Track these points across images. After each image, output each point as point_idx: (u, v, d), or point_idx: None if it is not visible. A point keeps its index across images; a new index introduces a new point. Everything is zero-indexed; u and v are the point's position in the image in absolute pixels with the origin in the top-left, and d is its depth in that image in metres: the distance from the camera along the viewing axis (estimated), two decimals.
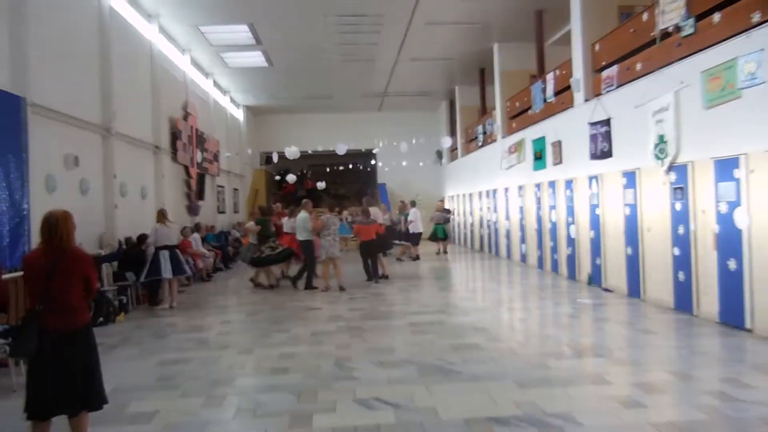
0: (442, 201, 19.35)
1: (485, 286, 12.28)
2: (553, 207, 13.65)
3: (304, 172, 29.88)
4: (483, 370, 6.26)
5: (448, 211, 18.64)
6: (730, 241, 7.85)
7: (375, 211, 13.81)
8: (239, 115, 25.80)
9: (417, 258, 17.29)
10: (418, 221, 17.32)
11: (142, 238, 11.45)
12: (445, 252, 18.74)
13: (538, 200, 14.55)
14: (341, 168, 27.99)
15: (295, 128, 28.12)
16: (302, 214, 12.24)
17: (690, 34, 8.76)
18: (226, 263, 17.35)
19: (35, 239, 8.00)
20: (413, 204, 19.04)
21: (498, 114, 18.10)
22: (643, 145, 9.77)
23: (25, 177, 8.61)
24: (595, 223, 11.48)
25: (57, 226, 4.27)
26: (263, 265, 12.65)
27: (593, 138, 11.39)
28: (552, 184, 13.70)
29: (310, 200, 13.07)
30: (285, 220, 14.00)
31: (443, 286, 12.24)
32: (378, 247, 12.92)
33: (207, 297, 11.92)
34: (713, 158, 8.20)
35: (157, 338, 8.34)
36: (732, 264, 7.80)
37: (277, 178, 27.73)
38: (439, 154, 27.87)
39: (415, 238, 17.38)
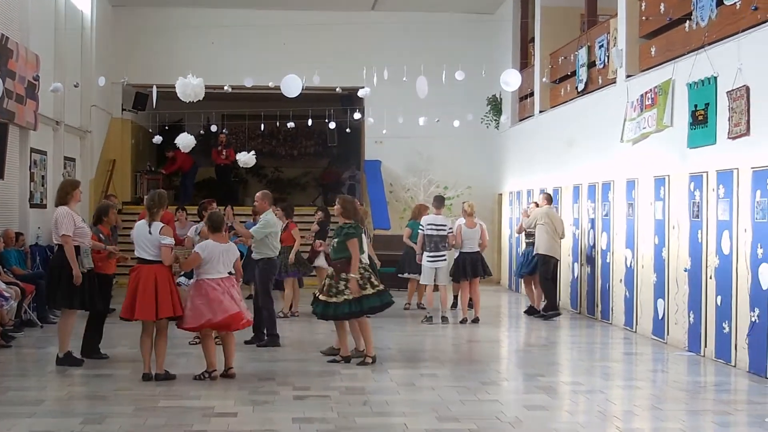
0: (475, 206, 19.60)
1: (575, 382, 13.02)
2: (726, 224, 13.90)
3: (215, 129, 29.63)
4: None
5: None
6: None
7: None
8: (84, 4, 25.81)
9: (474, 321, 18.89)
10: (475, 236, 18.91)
11: None
12: (469, 316, 18.96)
13: (696, 209, 14.91)
14: (291, 125, 27.85)
15: (199, 39, 28.10)
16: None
17: None
18: (43, 311, 17.50)
19: None
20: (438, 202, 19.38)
21: (622, 26, 18.36)
22: None
23: None
24: None
25: None
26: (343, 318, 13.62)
27: None
28: (725, 177, 13.97)
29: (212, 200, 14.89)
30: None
31: (485, 378, 12.99)
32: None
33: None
34: None
35: None
36: None
37: (157, 139, 27.52)
38: (496, 106, 27.92)
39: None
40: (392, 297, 13.77)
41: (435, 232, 18.05)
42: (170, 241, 12.33)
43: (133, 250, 12.49)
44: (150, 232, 12.16)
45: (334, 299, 13.15)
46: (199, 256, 12.22)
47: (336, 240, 13.33)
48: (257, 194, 15.70)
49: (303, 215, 25.39)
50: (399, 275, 20.20)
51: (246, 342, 14.80)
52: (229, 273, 12.40)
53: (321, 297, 13.26)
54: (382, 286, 13.51)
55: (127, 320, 12.34)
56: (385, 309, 13.78)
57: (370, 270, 13.67)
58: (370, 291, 13.31)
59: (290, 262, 18.01)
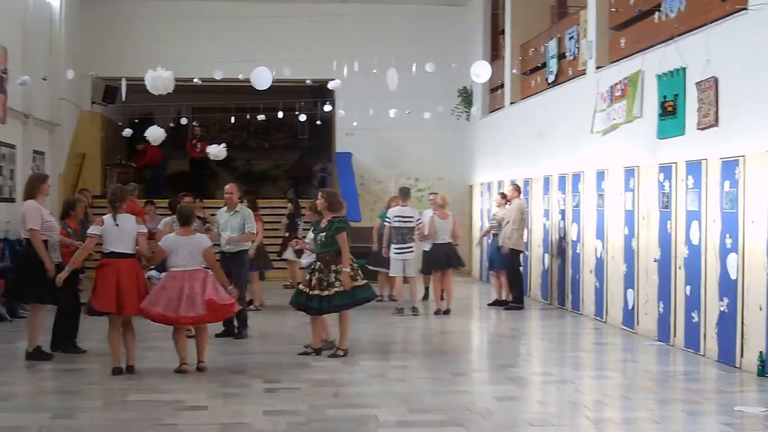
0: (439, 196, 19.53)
1: (546, 372, 13.15)
2: (695, 214, 13.92)
3: (185, 121, 29.47)
4: None
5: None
6: None
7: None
8: None
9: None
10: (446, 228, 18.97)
11: None
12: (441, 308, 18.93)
13: (665, 199, 14.97)
14: (261, 118, 27.79)
15: (168, 31, 27.98)
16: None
17: None
18: (12, 305, 17.41)
19: None
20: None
21: (592, 18, 18.39)
22: None
23: None
24: None
25: None
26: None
27: None
28: (694, 168, 14.03)
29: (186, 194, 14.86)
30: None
31: (456, 370, 13.04)
32: None
33: None
34: None
35: None
36: None
37: (127, 132, 27.41)
38: (467, 98, 27.92)
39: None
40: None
41: (402, 224, 18.07)
42: (146, 229, 12.53)
43: (101, 245, 12.46)
44: (116, 224, 12.14)
45: (326, 292, 13.12)
46: (161, 249, 12.39)
47: (324, 234, 13.28)
48: (229, 187, 15.55)
49: (275, 207, 25.36)
50: (368, 267, 20.16)
51: (217, 335, 14.76)
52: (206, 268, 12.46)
53: (313, 292, 13.18)
54: (366, 280, 13.61)
55: (99, 313, 12.27)
56: (371, 300, 13.89)
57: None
58: (361, 282, 13.38)
59: (250, 257, 17.68)
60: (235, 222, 15.12)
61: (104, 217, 12.36)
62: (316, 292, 13.06)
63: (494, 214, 20.19)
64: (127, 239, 12.17)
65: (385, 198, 22.25)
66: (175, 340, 12.31)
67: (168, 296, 11.97)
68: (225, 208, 15.36)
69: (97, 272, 12.21)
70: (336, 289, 13.02)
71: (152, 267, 14.07)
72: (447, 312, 18.34)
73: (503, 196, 19.96)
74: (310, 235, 14.13)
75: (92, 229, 12.32)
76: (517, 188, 19.73)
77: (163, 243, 12.43)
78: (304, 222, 19.77)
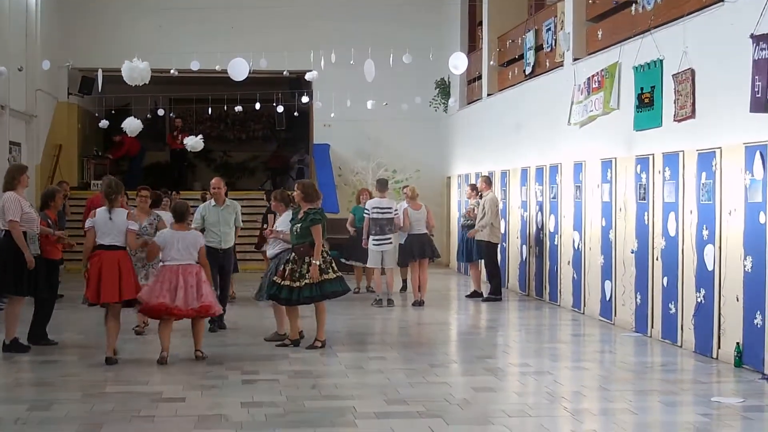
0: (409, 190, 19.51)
1: (523, 363, 13.19)
2: (672, 206, 14.00)
3: (162, 113, 29.34)
4: None
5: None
6: None
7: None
8: None
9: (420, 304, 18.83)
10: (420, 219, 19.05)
11: None
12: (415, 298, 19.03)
13: (642, 191, 15.04)
14: (239, 109, 27.75)
15: (145, 22, 27.91)
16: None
17: None
18: None
19: None
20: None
21: (569, 10, 18.44)
22: None
23: None
24: (763, 242, 11.71)
25: None
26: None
27: (760, 67, 11.45)
28: (671, 159, 14.11)
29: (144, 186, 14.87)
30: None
31: (434, 361, 13.11)
32: None
33: None
34: None
35: None
36: None
37: (104, 123, 27.29)
38: (444, 89, 27.93)
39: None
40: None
41: (380, 215, 18.02)
42: (136, 226, 12.59)
43: (81, 236, 12.53)
44: (111, 218, 12.17)
45: (297, 283, 13.13)
46: (156, 245, 12.52)
47: (299, 225, 13.27)
48: (216, 181, 15.46)
49: (253, 199, 25.34)
50: (343, 260, 20.09)
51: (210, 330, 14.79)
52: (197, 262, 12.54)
53: (284, 282, 13.20)
54: (340, 273, 13.60)
55: (93, 304, 12.36)
56: (343, 295, 13.87)
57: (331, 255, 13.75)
58: (332, 275, 13.37)
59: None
60: (230, 216, 15.12)
61: (98, 210, 12.43)
62: (287, 282, 13.07)
63: (471, 205, 20.22)
64: (115, 232, 12.24)
65: None
66: (160, 330, 12.33)
67: (168, 288, 12.09)
68: (211, 203, 15.19)
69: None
70: (306, 281, 13.03)
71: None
72: (421, 304, 18.36)
73: (473, 187, 20.00)
74: (281, 225, 14.14)
75: (87, 223, 12.49)
76: (487, 181, 19.76)
77: (157, 238, 12.60)
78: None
